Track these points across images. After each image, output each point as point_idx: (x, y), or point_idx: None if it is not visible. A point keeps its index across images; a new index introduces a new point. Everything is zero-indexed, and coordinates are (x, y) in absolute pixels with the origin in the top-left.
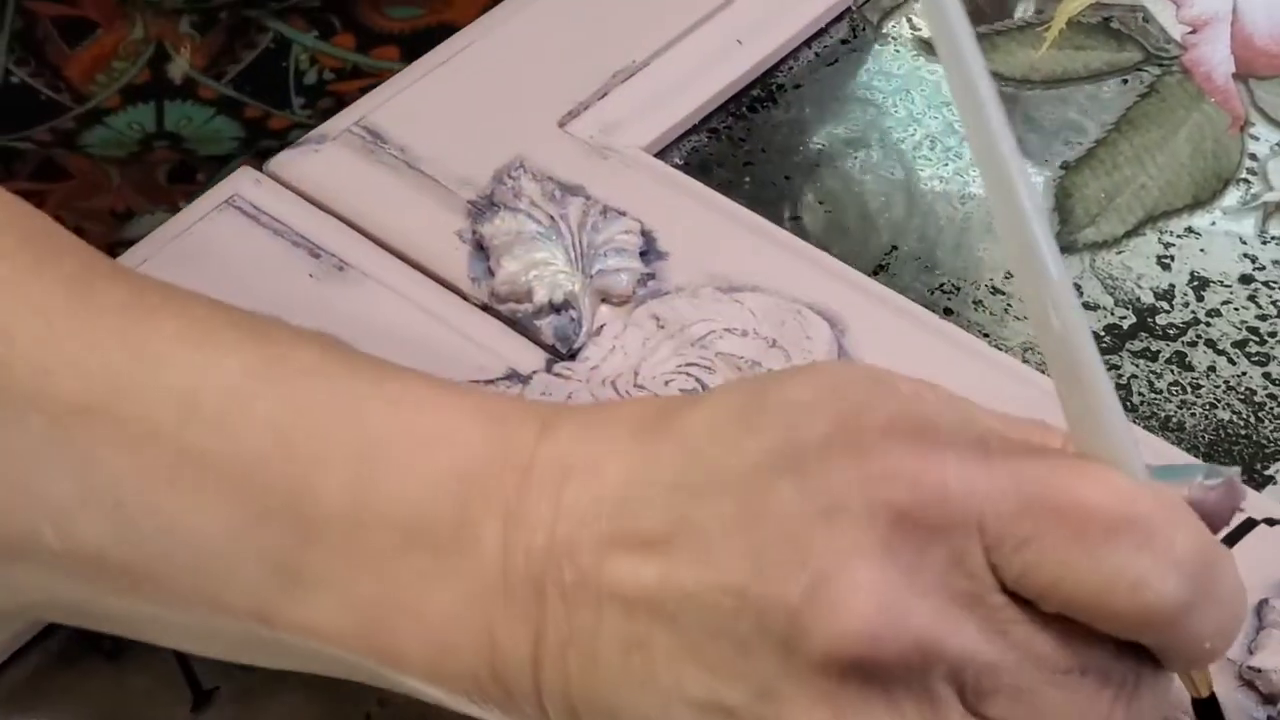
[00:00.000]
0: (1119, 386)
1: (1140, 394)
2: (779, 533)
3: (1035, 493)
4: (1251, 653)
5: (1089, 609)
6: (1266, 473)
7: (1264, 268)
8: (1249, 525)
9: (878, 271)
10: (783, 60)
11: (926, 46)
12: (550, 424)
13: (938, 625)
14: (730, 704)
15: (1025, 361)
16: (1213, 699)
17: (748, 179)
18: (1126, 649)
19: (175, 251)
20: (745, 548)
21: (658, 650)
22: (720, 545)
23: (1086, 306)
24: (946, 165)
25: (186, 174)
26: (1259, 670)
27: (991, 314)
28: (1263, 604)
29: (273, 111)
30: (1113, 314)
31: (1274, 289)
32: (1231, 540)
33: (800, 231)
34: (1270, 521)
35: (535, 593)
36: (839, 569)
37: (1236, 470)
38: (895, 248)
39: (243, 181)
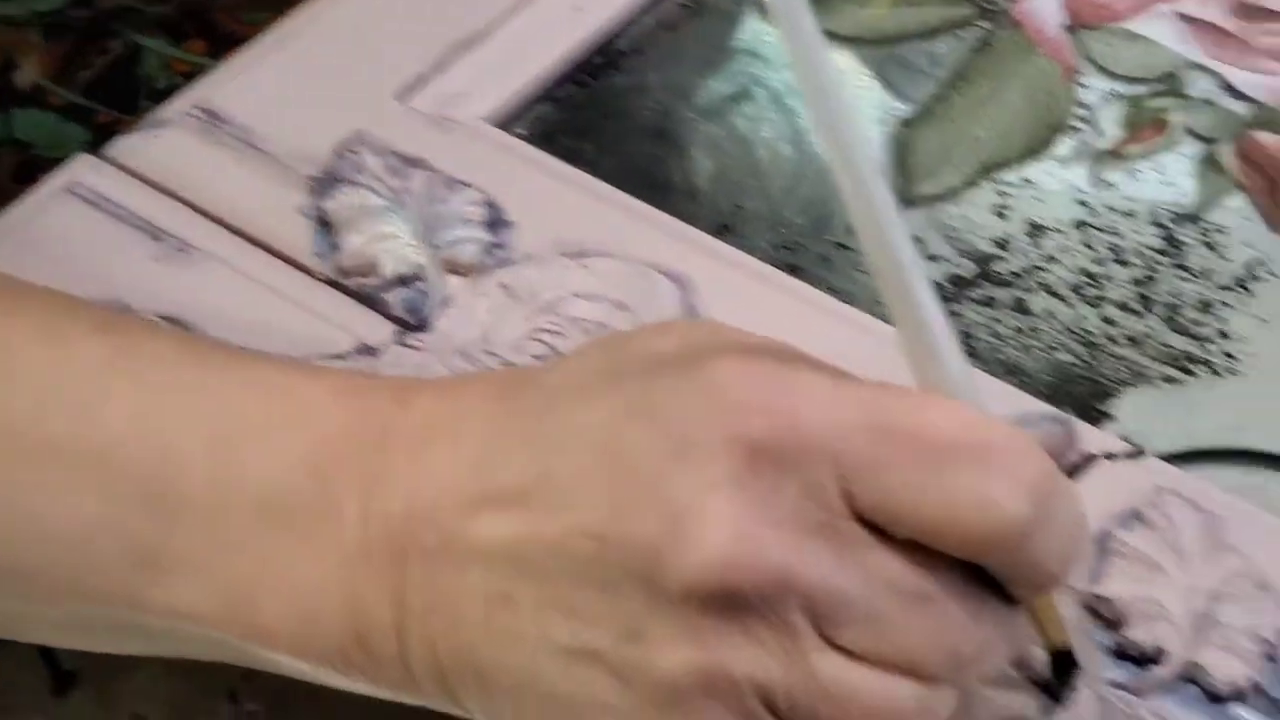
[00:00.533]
0: (963, 335)
1: (983, 340)
2: (635, 474)
3: (885, 421)
4: (1096, 582)
5: (940, 532)
6: (1105, 410)
7: (1097, 213)
8: (1089, 460)
9: (723, 231)
10: (623, 26)
11: (764, 9)
12: (407, 394)
13: (793, 554)
14: (597, 647)
15: (873, 315)
16: (1068, 652)
17: (591, 146)
18: (976, 578)
19: (16, 242)
20: (603, 492)
21: (522, 603)
22: (578, 493)
23: (928, 258)
24: (788, 125)
25: (31, 174)
26: (1103, 598)
27: (838, 269)
28: (1106, 535)
29: (123, 117)
30: (954, 264)
31: (1106, 233)
32: (1073, 475)
33: (645, 196)
34: (1110, 456)
35: (396, 559)
36: (694, 503)
37: (1068, 417)
38: (740, 207)
39: (81, 169)
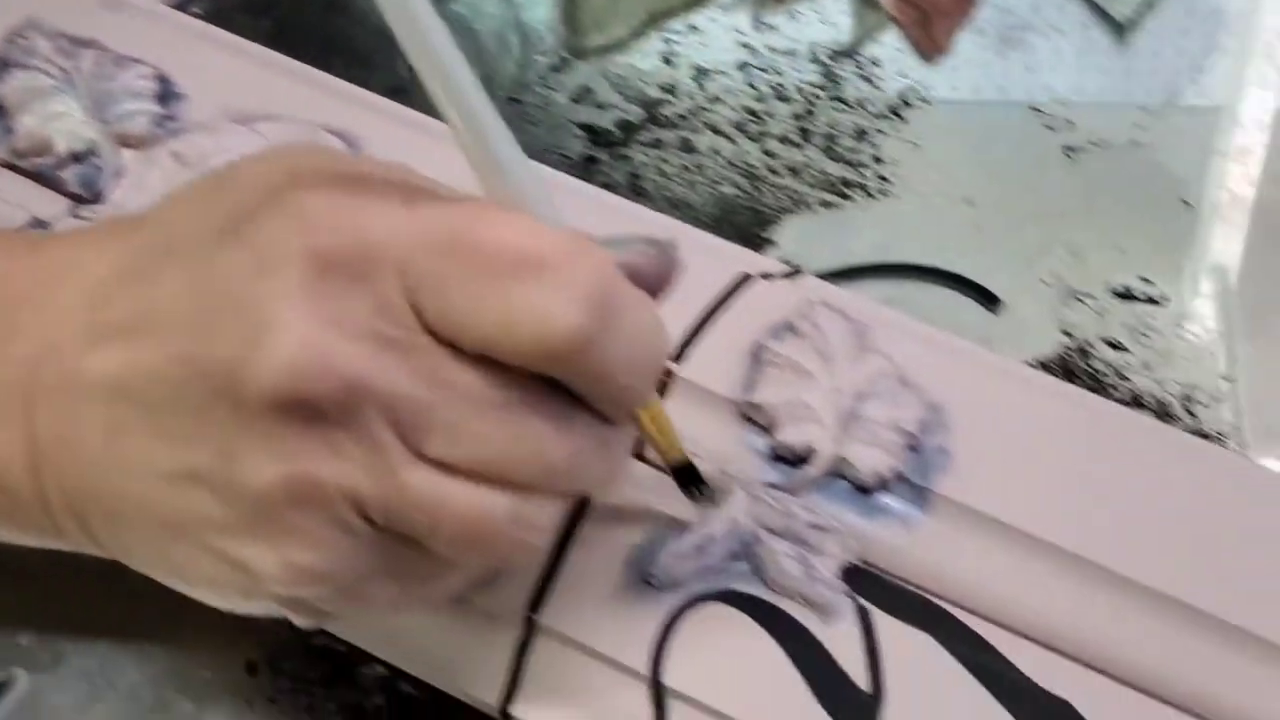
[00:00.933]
0: (631, 175)
1: (651, 180)
2: (220, 296)
3: (448, 235)
4: (749, 390)
5: (501, 344)
6: (767, 236)
7: (759, 54)
8: (745, 279)
9: (396, 94)
10: None
11: None
12: (41, 243)
13: (364, 364)
14: (196, 468)
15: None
16: (688, 465)
17: (269, 22)
18: (564, 391)
19: None
20: (193, 317)
21: (132, 432)
22: (173, 320)
23: (598, 107)
24: None
25: None
26: (757, 405)
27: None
28: (759, 347)
29: None
30: (623, 110)
31: (768, 73)
32: (730, 293)
33: (320, 64)
34: (766, 276)
35: (27, 400)
36: (269, 317)
37: (672, 240)
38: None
39: None
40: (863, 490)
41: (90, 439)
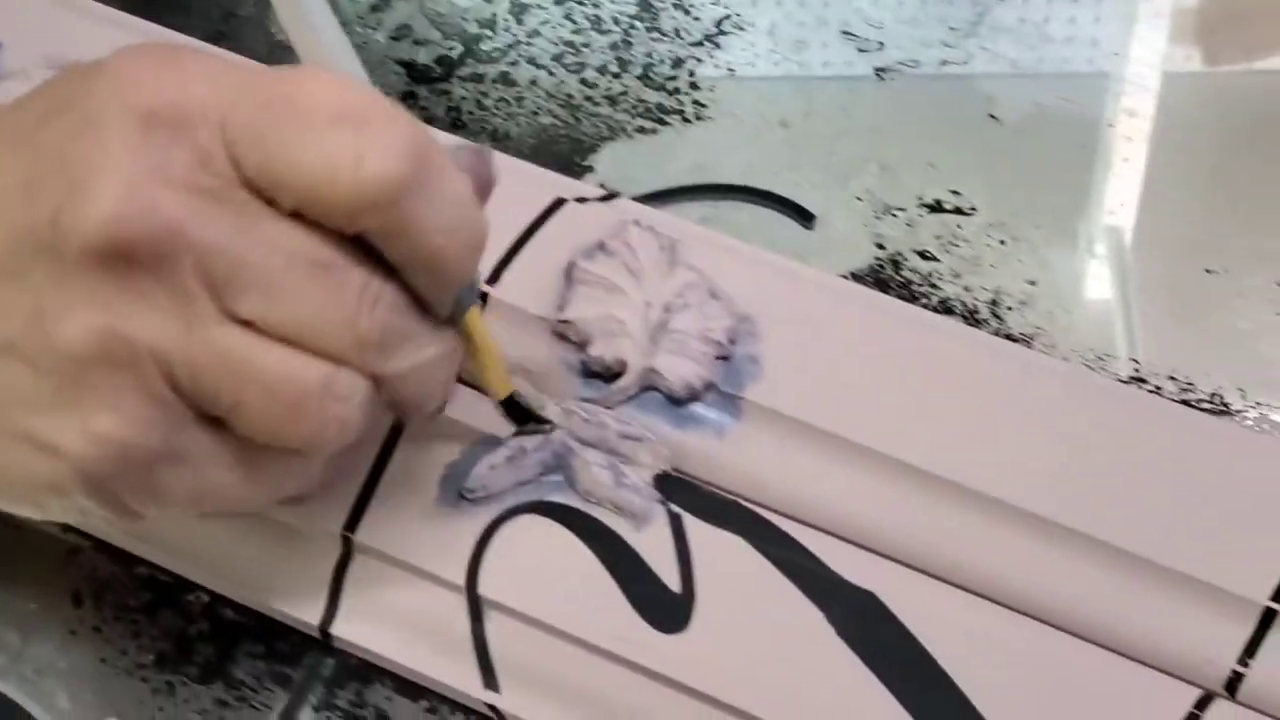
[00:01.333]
0: (450, 110)
1: (470, 112)
2: (47, 160)
3: (267, 92)
4: (562, 308)
5: (318, 194)
6: (586, 164)
7: None
8: (560, 203)
9: (219, 38)
10: None
11: None
12: None
13: (183, 214)
14: (11, 338)
15: None
16: (514, 399)
17: None
18: (384, 270)
19: None
20: (20, 187)
21: None
22: (2, 196)
23: (417, 43)
24: None
25: None
26: (569, 322)
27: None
28: (571, 266)
29: None
30: (442, 47)
31: (586, 5)
32: (545, 217)
33: (141, 11)
34: (581, 200)
35: None
36: (90, 171)
37: (487, 147)
38: (233, 14)
39: None
40: (674, 401)
41: None
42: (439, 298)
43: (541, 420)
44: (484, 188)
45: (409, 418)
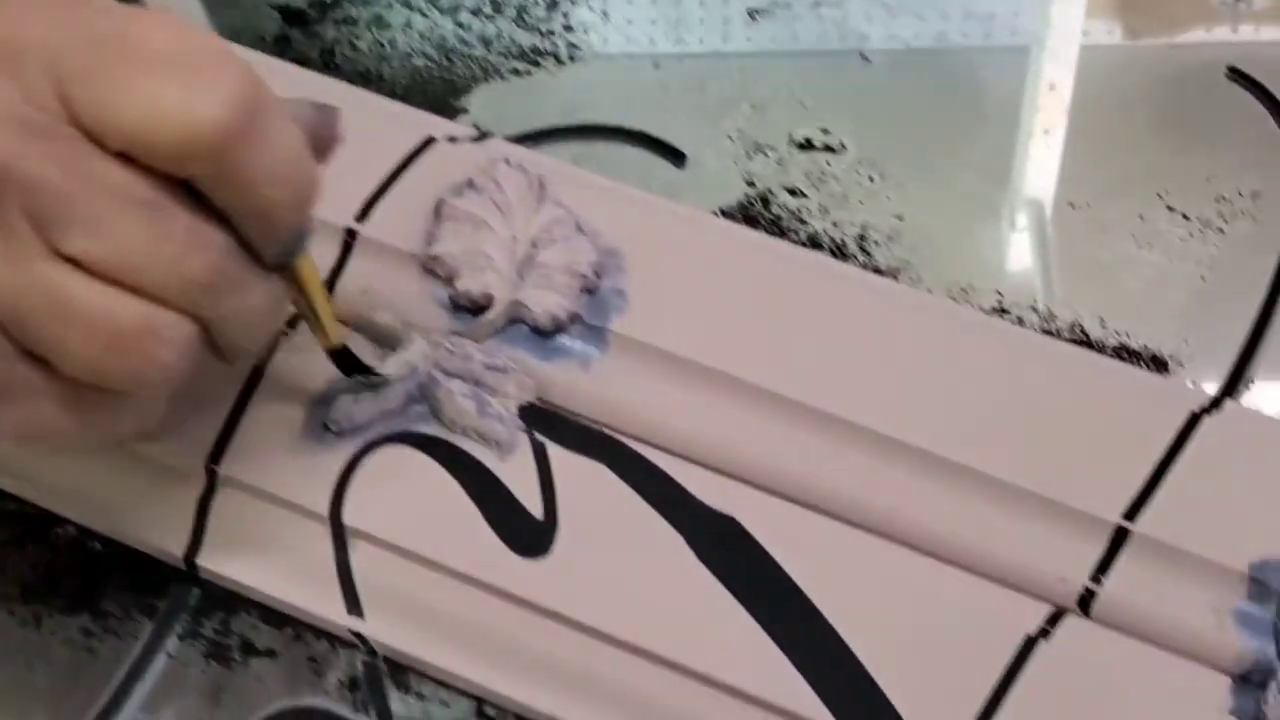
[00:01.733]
0: (324, 52)
1: (343, 55)
2: None
3: (99, 32)
4: (430, 244)
5: (145, 137)
6: (460, 105)
7: None
8: (430, 142)
9: None
10: None
11: None
12: None
13: (9, 150)
14: None
15: None
16: (345, 350)
17: None
18: (196, 202)
19: None
20: None
21: None
22: None
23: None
24: None
25: None
26: (436, 257)
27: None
28: (440, 203)
29: None
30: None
31: None
32: (414, 155)
33: None
34: (452, 139)
35: None
36: None
37: (336, 108)
38: None
39: None
40: (541, 333)
41: None
42: (266, 245)
43: (372, 373)
44: (325, 144)
45: (228, 362)
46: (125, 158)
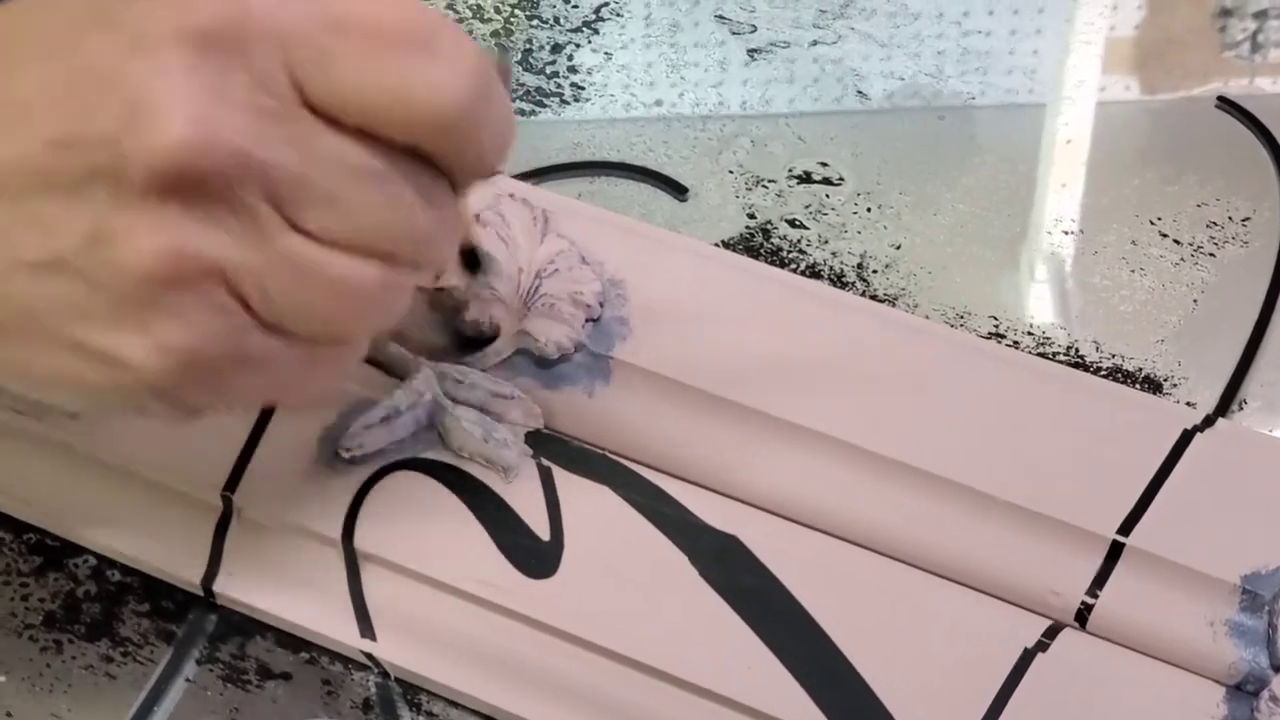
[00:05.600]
0: None
1: None
2: (94, 77)
3: (333, 14)
4: (438, 277)
5: (389, 116)
6: None
7: None
8: None
9: None
10: None
11: None
12: None
13: (250, 136)
14: (63, 255)
15: None
16: (474, 249)
17: None
18: (420, 162)
19: None
20: (63, 101)
21: None
22: (37, 105)
23: None
24: None
25: None
26: (444, 289)
27: None
28: None
29: None
30: None
31: None
32: None
33: None
34: None
35: None
36: (151, 93)
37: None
38: None
39: None
40: (546, 361)
41: None
42: (468, 183)
43: (489, 268)
44: (505, 84)
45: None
46: (357, 132)
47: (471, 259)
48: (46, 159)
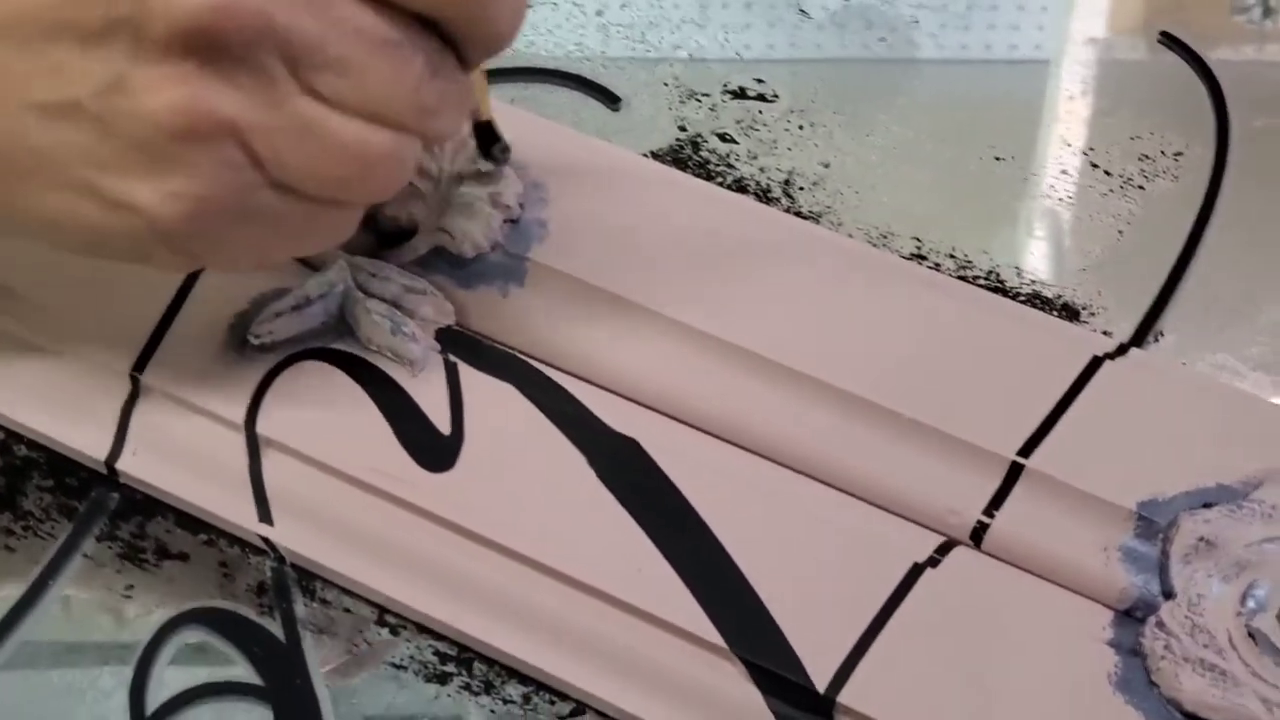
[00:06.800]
0: None
1: None
2: None
3: None
4: None
5: None
6: None
7: None
8: None
9: None
10: None
11: None
12: None
13: (265, 2)
14: (77, 99)
15: None
16: (489, 124)
17: None
18: (433, 34)
19: None
20: None
21: (9, 69)
22: None
23: None
24: None
25: None
26: None
27: None
28: None
29: None
30: None
31: None
32: None
33: None
34: None
35: None
36: None
37: None
38: None
39: None
40: (462, 260)
41: None
42: (480, 57)
43: (504, 149)
44: None
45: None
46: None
47: (488, 135)
48: (65, 7)
